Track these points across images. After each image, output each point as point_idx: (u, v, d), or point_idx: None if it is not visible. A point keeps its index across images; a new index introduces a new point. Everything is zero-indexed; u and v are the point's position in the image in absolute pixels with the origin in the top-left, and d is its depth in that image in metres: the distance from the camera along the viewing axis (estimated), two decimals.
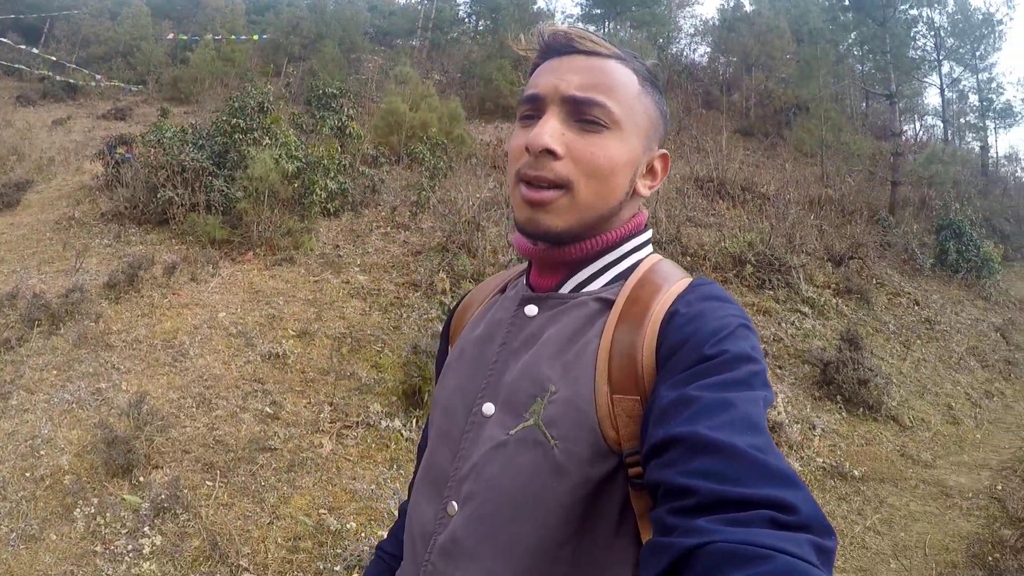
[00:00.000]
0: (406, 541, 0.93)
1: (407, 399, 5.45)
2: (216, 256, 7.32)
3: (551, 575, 0.77)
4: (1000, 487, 5.56)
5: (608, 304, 0.86)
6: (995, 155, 23.64)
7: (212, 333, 5.92)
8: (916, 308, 10.57)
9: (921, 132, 24.85)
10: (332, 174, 8.81)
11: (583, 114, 0.82)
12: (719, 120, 20.06)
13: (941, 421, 7.24)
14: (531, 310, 0.91)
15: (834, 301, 9.66)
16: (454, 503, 0.84)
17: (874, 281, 10.95)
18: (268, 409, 4.98)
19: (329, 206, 8.80)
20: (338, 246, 8.21)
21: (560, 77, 0.84)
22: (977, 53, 21.67)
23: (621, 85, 0.84)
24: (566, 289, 0.90)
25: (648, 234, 0.94)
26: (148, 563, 3.36)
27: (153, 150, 8.35)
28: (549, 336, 0.86)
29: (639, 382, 0.77)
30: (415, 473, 1.05)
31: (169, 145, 8.15)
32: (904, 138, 18.26)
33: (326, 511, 3.95)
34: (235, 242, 7.67)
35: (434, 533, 0.85)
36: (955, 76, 21.91)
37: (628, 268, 0.90)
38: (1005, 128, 29.22)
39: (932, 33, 19.73)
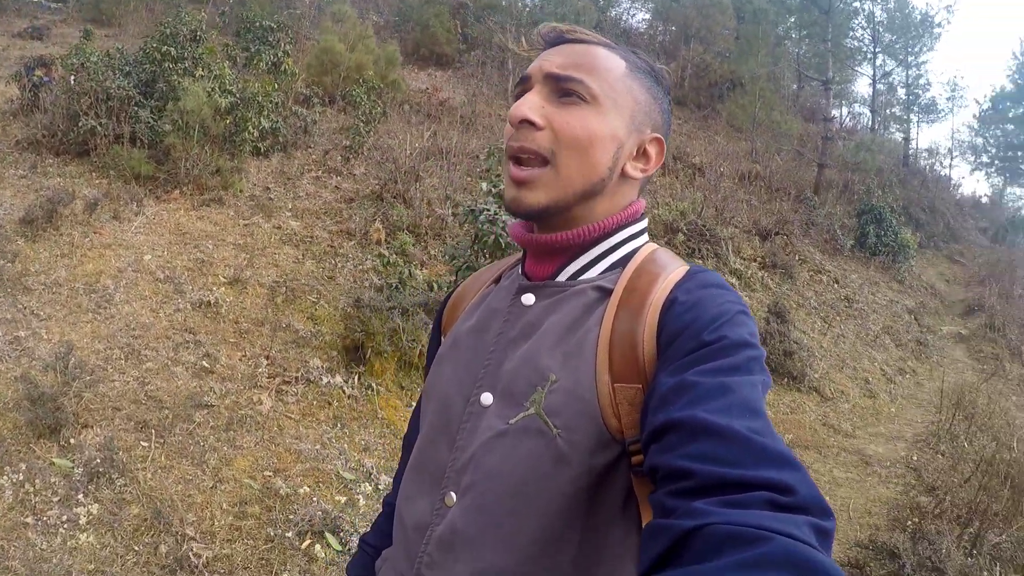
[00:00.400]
0: (397, 533, 0.92)
1: (348, 354, 5.32)
2: (140, 193, 6.81)
3: (554, 563, 0.77)
4: (915, 458, 6.00)
5: (606, 292, 0.86)
6: (916, 147, 24.87)
7: (138, 277, 5.55)
8: (836, 286, 11.08)
9: (848, 118, 25.78)
10: (266, 112, 8.36)
11: (562, 89, 0.85)
12: None
13: (859, 394, 7.68)
14: (528, 299, 0.91)
15: (760, 274, 10.03)
16: (452, 494, 0.84)
17: (797, 257, 11.40)
18: (202, 362, 4.72)
19: (260, 145, 8.35)
20: (268, 188, 7.81)
21: (545, 59, 0.88)
22: (911, 50, 22.47)
23: (603, 66, 0.87)
24: (562, 277, 0.90)
25: (644, 223, 0.95)
26: (85, 535, 3.10)
27: (76, 74, 7.65)
28: (548, 325, 0.86)
29: (641, 370, 0.77)
30: (401, 465, 1.06)
31: (94, 70, 7.47)
32: (833, 123, 18.86)
33: (271, 473, 3.80)
34: (160, 179, 7.16)
35: (431, 524, 0.85)
36: (887, 69, 22.65)
37: (625, 256, 0.90)
38: (928, 123, 30.73)
39: (870, 26, 20.27)
